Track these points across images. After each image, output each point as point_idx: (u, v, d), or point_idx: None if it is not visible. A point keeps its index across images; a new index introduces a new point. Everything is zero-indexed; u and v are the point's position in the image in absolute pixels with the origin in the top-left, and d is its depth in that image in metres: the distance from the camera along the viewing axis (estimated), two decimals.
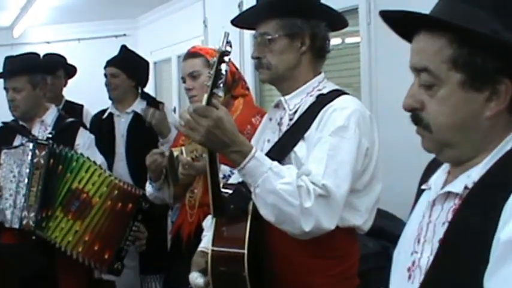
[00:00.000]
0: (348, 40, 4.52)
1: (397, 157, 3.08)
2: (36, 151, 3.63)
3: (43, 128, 3.87)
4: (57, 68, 4.67)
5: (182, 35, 7.22)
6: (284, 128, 2.48)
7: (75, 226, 3.55)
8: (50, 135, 3.77)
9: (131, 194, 3.65)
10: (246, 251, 2.33)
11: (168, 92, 7.92)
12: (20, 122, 3.91)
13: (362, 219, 2.40)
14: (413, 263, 1.44)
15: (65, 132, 3.85)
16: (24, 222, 3.57)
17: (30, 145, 3.65)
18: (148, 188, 3.47)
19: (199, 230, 3.05)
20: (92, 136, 4.02)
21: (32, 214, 3.57)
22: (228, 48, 2.16)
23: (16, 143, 3.78)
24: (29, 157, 3.63)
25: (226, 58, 2.16)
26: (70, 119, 4.04)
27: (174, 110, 4.04)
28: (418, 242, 1.45)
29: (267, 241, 2.42)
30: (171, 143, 3.90)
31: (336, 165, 2.23)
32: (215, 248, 2.41)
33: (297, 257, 2.39)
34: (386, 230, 3.18)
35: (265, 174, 2.16)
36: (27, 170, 3.61)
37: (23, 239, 3.64)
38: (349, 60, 4.42)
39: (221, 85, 2.16)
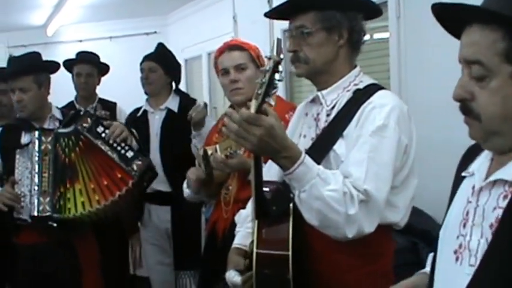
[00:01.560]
0: (377, 35, 4.46)
1: (426, 154, 3.08)
2: (43, 138, 3.71)
3: (53, 123, 3.93)
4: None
5: (212, 32, 7.26)
6: (321, 124, 2.47)
7: (77, 188, 3.64)
8: (58, 124, 3.86)
9: (74, 133, 3.74)
10: (290, 253, 2.32)
11: (199, 89, 7.97)
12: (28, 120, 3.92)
13: (399, 216, 2.39)
14: (460, 245, 1.52)
15: (71, 121, 3.87)
16: (41, 208, 3.64)
17: (36, 133, 3.73)
18: (186, 190, 3.52)
19: (234, 226, 3.05)
20: None
21: (48, 199, 3.64)
22: (282, 56, 2.11)
23: (23, 140, 3.82)
24: (37, 145, 3.71)
25: (280, 67, 2.11)
26: (72, 111, 4.09)
27: (205, 106, 4.07)
28: (464, 225, 1.53)
29: (305, 240, 2.41)
30: (202, 136, 3.96)
31: (377, 167, 2.22)
32: (260, 251, 2.38)
33: (334, 255, 2.38)
34: (415, 225, 3.16)
35: (313, 180, 2.14)
36: (37, 158, 3.69)
37: (41, 238, 3.69)
38: (377, 56, 4.35)
39: (273, 94, 2.13)
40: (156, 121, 4.63)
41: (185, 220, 4.35)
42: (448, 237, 1.60)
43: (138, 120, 4.68)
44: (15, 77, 3.83)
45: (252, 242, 2.42)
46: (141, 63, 4.77)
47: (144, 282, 5.10)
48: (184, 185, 3.52)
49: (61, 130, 3.77)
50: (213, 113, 6.93)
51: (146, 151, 4.40)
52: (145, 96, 4.81)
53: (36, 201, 3.65)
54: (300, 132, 2.56)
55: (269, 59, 2.12)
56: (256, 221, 2.43)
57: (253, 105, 2.10)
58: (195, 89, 8.20)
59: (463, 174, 1.63)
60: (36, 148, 3.70)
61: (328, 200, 2.13)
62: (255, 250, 2.38)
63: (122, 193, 3.59)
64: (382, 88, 2.46)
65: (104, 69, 5.49)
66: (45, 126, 3.88)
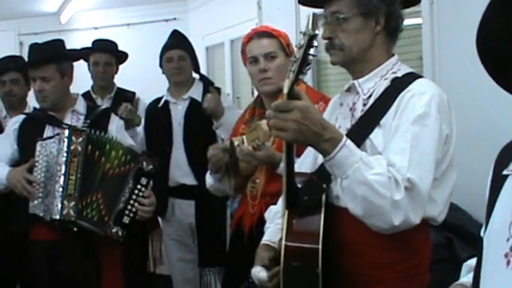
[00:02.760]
0: (408, 21, 4.40)
1: (461, 146, 3.06)
2: (73, 138, 3.63)
3: (75, 118, 3.87)
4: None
5: (235, 18, 7.17)
6: (357, 113, 2.43)
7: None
8: (86, 124, 3.78)
9: (134, 154, 3.67)
10: (320, 246, 2.30)
11: (221, 78, 7.92)
12: (49, 112, 3.88)
13: (437, 210, 2.36)
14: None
15: (98, 119, 3.86)
16: (64, 212, 3.57)
17: (66, 132, 3.65)
18: (209, 179, 3.48)
19: (262, 222, 3.03)
20: (122, 122, 4.06)
21: (72, 203, 3.58)
22: (317, 32, 2.09)
23: (46, 133, 3.78)
24: (66, 144, 3.63)
25: (315, 42, 2.09)
26: (101, 107, 4.07)
27: (218, 91, 4.05)
28: None
29: (336, 233, 2.39)
30: (225, 126, 3.93)
31: (419, 156, 2.20)
32: (289, 243, 2.36)
33: (367, 249, 2.37)
34: (450, 221, 3.10)
35: (356, 164, 2.12)
36: (64, 158, 3.62)
37: (56, 235, 3.66)
38: (409, 43, 4.31)
39: (307, 71, 2.12)
40: (178, 112, 4.61)
41: (210, 214, 4.34)
42: (495, 241, 1.53)
43: (159, 111, 4.65)
44: (37, 66, 3.79)
45: (281, 238, 2.39)
46: (164, 52, 4.72)
47: (165, 281, 5.11)
48: (207, 174, 3.49)
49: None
50: (236, 103, 6.89)
51: (169, 144, 4.39)
52: (165, 86, 4.78)
53: (59, 204, 3.59)
54: (335, 123, 2.51)
55: (303, 34, 2.10)
56: (286, 212, 2.41)
57: (286, 84, 2.10)
58: (217, 78, 8.13)
59: (505, 172, 1.57)
60: (65, 148, 3.64)
61: (373, 183, 2.11)
62: (283, 242, 2.36)
63: (99, 229, 3.62)
64: (421, 76, 2.43)
65: (122, 57, 5.44)
66: (66, 120, 3.84)
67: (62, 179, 3.62)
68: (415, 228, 2.26)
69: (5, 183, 3.69)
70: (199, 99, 4.53)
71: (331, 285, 2.38)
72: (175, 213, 4.67)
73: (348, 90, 2.54)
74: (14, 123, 3.98)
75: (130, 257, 4.21)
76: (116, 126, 3.93)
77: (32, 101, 4.50)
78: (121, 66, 5.47)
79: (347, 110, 2.50)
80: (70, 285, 3.73)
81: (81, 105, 3.94)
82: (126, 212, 3.59)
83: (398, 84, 2.36)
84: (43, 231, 3.70)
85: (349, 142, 2.15)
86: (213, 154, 3.32)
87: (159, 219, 4.83)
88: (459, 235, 3.51)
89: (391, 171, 2.14)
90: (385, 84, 2.40)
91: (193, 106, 4.54)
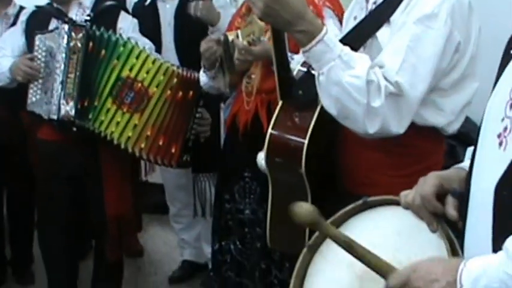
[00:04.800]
0: None
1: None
2: (73, 34, 3.57)
3: (81, 11, 3.77)
4: None
5: None
6: (370, 5, 2.35)
7: (134, 120, 3.56)
8: (88, 18, 3.70)
9: (190, 80, 3.65)
10: (306, 142, 2.30)
11: None
12: (55, 5, 3.80)
13: (445, 120, 2.30)
14: (506, 128, 1.46)
15: (104, 15, 3.77)
16: (62, 112, 3.58)
17: (66, 27, 3.59)
18: (202, 77, 3.46)
19: (257, 119, 3.09)
20: (135, 20, 3.97)
21: (71, 103, 3.57)
22: None
23: (51, 27, 3.73)
24: (65, 40, 3.58)
25: None
26: (110, 2, 3.92)
27: None
28: (511, 107, 1.47)
29: (334, 131, 2.38)
30: (222, 31, 3.86)
31: (415, 59, 2.12)
32: (274, 132, 2.38)
33: (366, 151, 2.36)
34: None
35: (332, 62, 2.07)
36: (63, 55, 3.59)
37: (62, 135, 3.68)
38: None
39: None
40: (167, 11, 4.45)
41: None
42: (491, 120, 1.54)
43: (146, 11, 4.50)
44: None
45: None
46: None
47: (157, 190, 5.12)
48: (201, 72, 3.46)
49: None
50: (233, 4, 6.73)
51: (158, 46, 4.30)
52: None
53: (57, 103, 3.59)
54: (355, 14, 2.46)
55: None
56: (280, 102, 2.41)
57: None
58: None
59: None
60: (65, 44, 3.59)
61: (347, 87, 2.06)
62: (269, 130, 2.38)
63: (165, 160, 3.68)
64: None
65: None
66: (71, 14, 3.77)
67: (60, 77, 3.60)
68: (421, 134, 2.26)
69: (8, 75, 3.71)
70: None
71: (324, 195, 2.39)
72: None
73: None
74: (23, 14, 3.97)
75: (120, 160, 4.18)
76: (127, 25, 3.85)
77: None
78: None
79: (363, 1, 2.41)
80: (72, 187, 3.81)
81: None
82: (191, 137, 3.71)
83: None
84: (45, 129, 3.74)
85: (328, 37, 2.08)
86: (206, 48, 3.29)
87: None
88: (463, 142, 3.49)
89: (376, 74, 2.09)
90: None
91: (184, 5, 4.38)
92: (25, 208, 4.53)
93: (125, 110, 3.57)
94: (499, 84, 1.56)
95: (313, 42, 2.07)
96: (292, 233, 2.35)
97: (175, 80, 3.62)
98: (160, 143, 3.62)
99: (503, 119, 1.48)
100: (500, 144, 1.47)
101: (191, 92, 3.65)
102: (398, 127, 2.14)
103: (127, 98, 3.57)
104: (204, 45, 3.31)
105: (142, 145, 3.59)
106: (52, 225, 3.89)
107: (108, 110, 3.58)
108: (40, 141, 3.82)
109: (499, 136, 1.48)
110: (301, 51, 2.16)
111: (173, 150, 3.66)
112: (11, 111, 4.16)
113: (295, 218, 1.65)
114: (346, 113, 2.12)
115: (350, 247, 1.62)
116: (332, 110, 2.15)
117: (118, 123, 3.57)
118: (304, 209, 1.66)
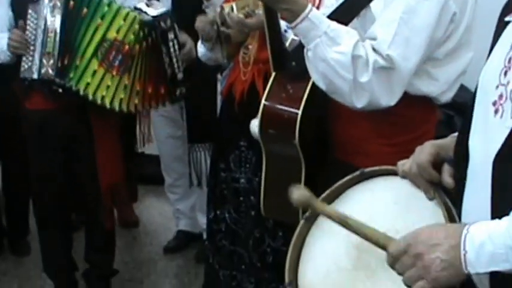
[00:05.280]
0: None
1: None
2: None
3: None
4: None
5: None
6: None
7: (123, 81, 3.53)
8: None
9: (149, 25, 3.59)
10: (300, 112, 2.33)
11: None
12: None
13: (438, 90, 2.31)
14: (501, 96, 1.47)
15: None
16: (42, 70, 3.56)
17: None
18: (200, 48, 3.47)
19: (253, 88, 3.11)
20: None
21: (51, 62, 3.55)
22: None
23: None
24: (46, 0, 3.55)
25: None
26: None
27: None
28: (506, 74, 1.47)
29: (326, 102, 2.39)
30: (216, 5, 3.84)
31: (408, 31, 2.12)
32: (267, 103, 2.40)
33: (355, 120, 2.37)
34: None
35: (317, 39, 2.10)
36: (43, 14, 3.56)
37: (50, 104, 3.67)
38: None
39: None
40: None
41: (199, 88, 4.26)
42: (486, 88, 1.54)
43: None
44: None
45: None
46: None
47: (153, 161, 5.14)
48: (198, 43, 3.48)
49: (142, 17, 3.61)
50: None
51: None
52: None
53: (38, 62, 3.57)
54: None
55: None
56: (274, 74, 2.44)
57: None
58: None
59: (507, 18, 1.55)
60: (46, 3, 3.55)
61: (332, 64, 2.10)
62: (262, 101, 2.40)
63: (160, 104, 3.73)
64: None
65: None
66: None
67: (41, 36, 3.58)
68: (412, 103, 2.26)
69: (9, 53, 3.67)
70: None
71: (318, 165, 2.42)
72: None
73: None
74: None
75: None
76: None
77: None
78: None
79: None
80: (62, 154, 3.81)
81: None
82: (176, 71, 3.67)
83: None
84: (35, 99, 3.71)
85: (313, 14, 2.11)
86: (200, 28, 3.34)
87: None
88: (460, 112, 3.52)
89: (365, 48, 2.11)
90: None
91: None
92: (20, 180, 4.53)
93: (114, 73, 3.52)
94: (494, 52, 1.56)
95: (298, 19, 2.11)
96: (285, 202, 2.36)
97: (137, 27, 3.55)
98: (150, 90, 3.64)
99: (497, 87, 1.48)
100: (496, 112, 1.47)
101: (153, 34, 3.60)
102: (388, 100, 2.17)
103: (115, 61, 3.52)
104: (198, 23, 3.34)
105: (136, 101, 3.60)
106: (46, 196, 3.90)
107: (94, 72, 3.52)
108: (29, 111, 3.78)
109: (494, 104, 1.48)
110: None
111: (162, 91, 3.67)
112: (2, 83, 4.11)
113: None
114: (333, 88, 2.16)
115: (345, 224, 1.65)
116: (321, 84, 2.19)
117: (108, 86, 3.53)
118: (295, 194, 1.73)
